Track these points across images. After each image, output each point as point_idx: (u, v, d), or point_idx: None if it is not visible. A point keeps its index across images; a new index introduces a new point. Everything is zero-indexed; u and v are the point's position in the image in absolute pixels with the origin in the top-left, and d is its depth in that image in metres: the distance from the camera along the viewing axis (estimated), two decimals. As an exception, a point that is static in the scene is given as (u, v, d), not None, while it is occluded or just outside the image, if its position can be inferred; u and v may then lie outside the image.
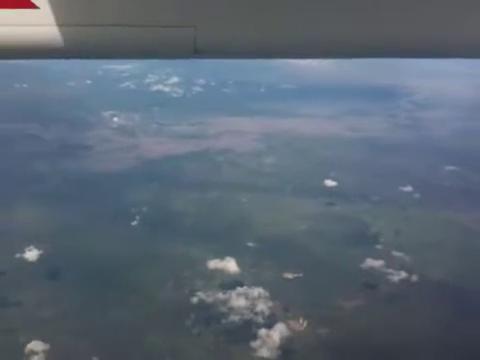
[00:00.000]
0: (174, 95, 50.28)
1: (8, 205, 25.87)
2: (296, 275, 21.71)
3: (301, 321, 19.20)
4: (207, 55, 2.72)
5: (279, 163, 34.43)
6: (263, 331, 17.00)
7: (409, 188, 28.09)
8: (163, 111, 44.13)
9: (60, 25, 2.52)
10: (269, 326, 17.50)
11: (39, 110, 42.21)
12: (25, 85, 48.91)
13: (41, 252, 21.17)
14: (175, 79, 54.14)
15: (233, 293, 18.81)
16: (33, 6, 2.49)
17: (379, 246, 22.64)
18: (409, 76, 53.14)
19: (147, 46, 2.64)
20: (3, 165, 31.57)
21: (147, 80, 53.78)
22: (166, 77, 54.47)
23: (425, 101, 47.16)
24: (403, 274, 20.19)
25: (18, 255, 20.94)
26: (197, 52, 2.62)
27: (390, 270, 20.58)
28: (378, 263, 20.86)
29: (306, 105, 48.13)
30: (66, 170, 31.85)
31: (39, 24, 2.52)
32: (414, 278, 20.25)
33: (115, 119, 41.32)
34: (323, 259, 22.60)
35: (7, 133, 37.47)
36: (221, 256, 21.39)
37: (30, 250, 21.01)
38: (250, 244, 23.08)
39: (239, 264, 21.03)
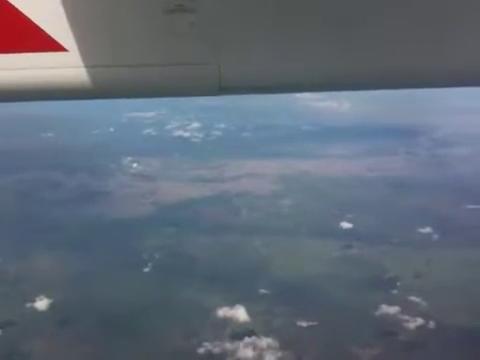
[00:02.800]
0: (194, 140, 51.01)
1: (23, 254, 26.22)
2: (310, 323, 21.04)
3: (314, 372, 18.44)
4: (232, 91, 2.75)
5: (296, 205, 34.12)
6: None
7: (428, 229, 27.26)
8: (182, 156, 44.71)
9: (89, 66, 2.58)
10: (276, 378, 16.80)
11: (62, 158, 43.38)
12: (50, 134, 50.56)
13: (51, 301, 21.17)
14: (196, 124, 55.08)
15: (241, 343, 18.24)
16: (62, 49, 2.58)
17: (395, 291, 21.81)
18: (430, 113, 52.73)
19: (173, 85, 2.69)
20: (23, 213, 32.24)
21: (169, 126, 54.86)
22: (188, 123, 55.48)
23: (446, 138, 46.41)
24: (419, 321, 19.28)
25: (29, 305, 20.98)
26: (222, 89, 2.66)
27: (406, 317, 19.70)
28: (394, 309, 20.02)
29: (325, 146, 48.05)
30: (84, 217, 32.29)
31: (68, 66, 2.60)
32: (431, 325, 19.29)
33: (134, 165, 42.06)
34: (339, 305, 21.89)
35: (30, 181, 38.52)
36: (231, 304, 20.95)
37: (41, 299, 21.03)
38: (262, 291, 22.59)
39: (249, 312, 20.53)
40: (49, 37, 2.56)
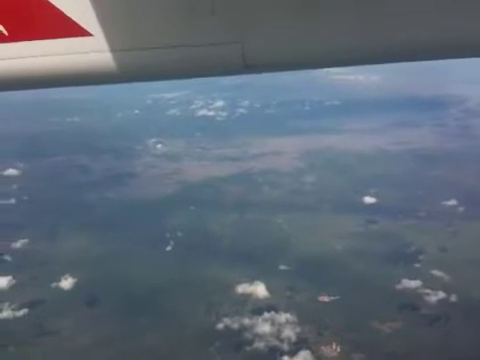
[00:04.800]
0: (218, 119, 50.98)
1: (53, 235, 26.99)
2: (332, 298, 21.03)
3: (334, 346, 18.49)
4: (257, 69, 2.76)
5: (319, 181, 33.83)
6: (286, 359, 16.44)
7: (454, 202, 26.64)
8: (207, 135, 44.84)
9: (114, 50, 2.63)
10: (293, 353, 16.94)
11: (89, 142, 44.12)
12: (76, 119, 51.38)
13: (76, 280, 21.83)
14: (220, 103, 54.98)
15: (259, 319, 18.42)
16: (87, 34, 2.62)
17: (418, 265, 21.52)
18: (457, 84, 51.08)
19: (198, 65, 2.72)
20: (52, 196, 33.09)
21: (193, 106, 54.97)
22: (211, 102, 55.43)
23: (475, 108, 44.90)
24: (441, 294, 19.01)
25: (54, 284, 21.71)
26: (247, 67, 2.67)
27: (428, 290, 19.45)
28: (415, 283, 19.78)
29: (350, 120, 47.27)
30: (110, 198, 32.92)
31: (94, 51, 2.64)
32: (453, 298, 19.00)
33: (159, 146, 42.41)
34: (361, 280, 21.77)
35: (59, 165, 39.39)
36: (251, 280, 21.11)
37: (66, 278, 21.71)
38: (283, 267, 22.66)
39: (269, 288, 20.65)
40: (74, 23, 2.60)
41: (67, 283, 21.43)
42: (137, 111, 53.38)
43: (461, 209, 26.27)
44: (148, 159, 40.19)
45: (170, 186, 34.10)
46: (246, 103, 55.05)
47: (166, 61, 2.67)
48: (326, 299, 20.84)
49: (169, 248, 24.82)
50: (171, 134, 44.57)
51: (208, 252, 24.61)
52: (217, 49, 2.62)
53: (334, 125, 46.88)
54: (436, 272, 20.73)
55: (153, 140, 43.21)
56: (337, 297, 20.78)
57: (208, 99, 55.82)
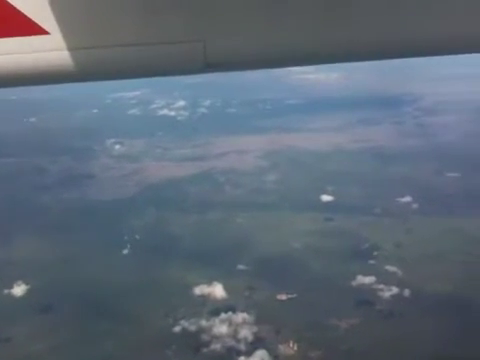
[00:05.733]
0: (179, 118, 50.59)
1: (5, 239, 26.15)
2: (290, 296, 21.17)
3: (291, 344, 18.59)
4: (219, 68, 2.72)
5: (280, 180, 34.03)
6: (242, 359, 16.43)
7: (408, 198, 27.25)
8: (167, 135, 44.40)
9: (72, 49, 2.55)
10: (250, 353, 16.95)
11: (46, 142, 43.01)
12: (33, 119, 50.03)
13: (29, 286, 21.22)
14: (181, 102, 54.54)
15: (217, 320, 18.35)
16: (44, 32, 2.53)
17: (372, 261, 21.91)
18: (416, 82, 52.29)
19: (158, 64, 2.67)
20: (6, 198, 32.08)
21: (153, 105, 54.34)
22: (173, 101, 54.92)
23: (433, 106, 46.11)
24: (394, 289, 19.40)
25: (6, 291, 21.03)
26: (209, 66, 2.64)
27: (381, 286, 19.82)
28: (369, 279, 20.13)
29: (312, 119, 47.74)
30: (68, 200, 32.17)
31: (50, 49, 2.56)
32: (406, 293, 19.42)
33: (118, 146, 41.74)
34: (318, 278, 22.00)
35: (14, 166, 38.25)
36: (209, 281, 21.01)
37: (19, 285, 21.08)
38: (241, 267, 22.66)
39: (227, 289, 20.61)
40: (30, 21, 2.51)
41: (20, 290, 20.80)
42: (96, 111, 52.38)
43: (415, 206, 26.89)
44: (107, 160, 39.49)
45: (129, 187, 33.60)
46: (208, 102, 54.83)
47: (125, 60, 2.62)
48: (284, 298, 20.96)
49: (126, 251, 24.43)
50: (131, 134, 43.92)
51: (167, 254, 24.36)
52: (178, 48, 2.58)
53: (296, 124, 47.25)
54: (390, 268, 21.16)
55: (112, 140, 42.50)
56: (295, 295, 20.93)
57: (169, 98, 55.31)
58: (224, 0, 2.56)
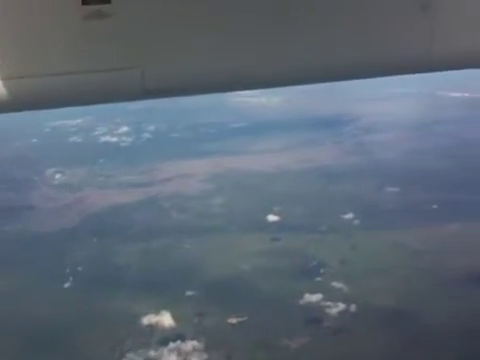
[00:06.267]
0: (122, 144, 49.80)
1: None
2: (241, 319, 20.97)
3: (243, 369, 18.33)
4: (158, 94, 2.70)
5: (226, 203, 34.03)
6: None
7: (350, 215, 27.93)
8: (110, 162, 43.52)
9: (7, 78, 2.46)
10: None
11: (-19, 174, 41.06)
12: (-34, 150, 47.77)
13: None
14: (124, 128, 53.77)
15: (165, 349, 17.84)
16: None
17: (319, 279, 22.15)
18: (354, 103, 54.24)
19: (96, 92, 2.64)
20: None
21: (95, 132, 53.25)
22: (115, 127, 54.07)
23: (370, 125, 47.92)
24: (341, 306, 19.65)
25: None
26: (147, 92, 2.62)
27: (328, 303, 20.03)
28: (317, 297, 20.31)
29: (256, 141, 48.34)
30: (7, 233, 30.79)
31: None
32: (353, 308, 19.71)
33: (59, 176, 40.48)
34: (267, 298, 21.96)
35: None
36: (157, 310, 20.48)
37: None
38: (190, 293, 22.27)
39: (175, 317, 20.15)
40: None
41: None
42: (35, 140, 50.74)
43: (357, 221, 27.58)
44: (47, 190, 38.16)
45: (70, 218, 32.53)
46: (152, 128, 54.44)
47: (62, 88, 2.58)
48: (234, 321, 20.74)
49: (68, 285, 23.47)
50: (72, 163, 42.77)
51: (112, 285, 23.59)
52: (116, 75, 2.55)
53: (240, 147, 47.69)
54: (336, 284, 21.44)
55: (52, 170, 41.19)
56: (245, 318, 20.77)
57: (112, 124, 54.45)
58: (161, 26, 2.56)
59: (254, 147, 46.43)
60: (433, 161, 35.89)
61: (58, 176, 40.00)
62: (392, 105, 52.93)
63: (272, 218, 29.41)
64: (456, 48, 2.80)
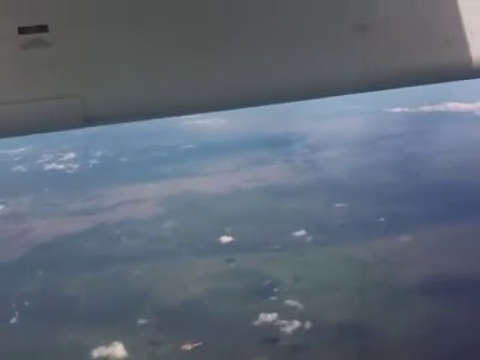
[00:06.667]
0: (69, 171, 48.51)
1: None
2: (195, 345, 20.53)
3: (200, 396, 17.84)
4: (98, 122, 2.67)
5: (178, 226, 33.60)
6: None
7: (302, 232, 28.19)
8: (56, 190, 42.20)
9: None
10: None
11: None
12: None
13: None
14: (70, 155, 52.47)
15: (117, 382, 17.16)
16: None
17: (273, 298, 22.08)
18: (300, 122, 55.34)
19: (36, 121, 2.57)
20: None
21: (40, 160, 51.67)
22: (61, 154, 52.67)
23: (317, 143, 48.98)
24: (296, 323, 19.61)
25: None
26: (88, 121, 2.58)
27: (283, 321, 19.95)
28: (272, 316, 20.19)
29: (206, 163, 48.30)
30: None
31: None
32: (308, 326, 19.70)
33: (2, 207, 38.88)
34: (222, 321, 21.62)
35: None
36: (108, 342, 19.73)
37: None
38: (142, 321, 21.63)
39: (128, 347, 19.46)
40: None
41: None
42: (-25, 171, 48.60)
43: (309, 238, 27.86)
44: (-11, 222, 36.44)
45: (15, 250, 31.12)
46: (99, 153, 53.43)
47: (2, 118, 2.51)
48: (189, 347, 20.30)
49: (14, 320, 22.28)
50: (16, 192, 41.21)
51: (60, 318, 22.59)
52: (55, 103, 2.51)
53: (191, 169, 47.56)
54: (291, 302, 21.42)
55: (-5, 201, 39.46)
56: (200, 343, 20.36)
57: (57, 152, 53.06)
58: (100, 53, 2.54)
59: (205, 169, 46.36)
60: (378, 175, 36.98)
61: (1, 207, 38.38)
62: (337, 123, 54.43)
63: (225, 239, 29.23)
64: (393, 67, 2.87)
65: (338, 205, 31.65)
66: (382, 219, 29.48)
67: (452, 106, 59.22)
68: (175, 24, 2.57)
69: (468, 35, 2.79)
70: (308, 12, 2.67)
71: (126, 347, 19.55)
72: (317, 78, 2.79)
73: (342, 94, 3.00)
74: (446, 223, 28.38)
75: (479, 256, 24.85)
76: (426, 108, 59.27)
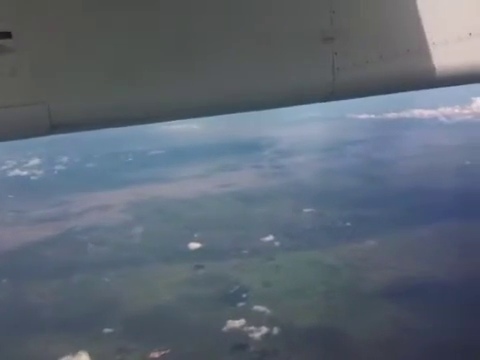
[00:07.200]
0: (33, 178, 47.45)
1: None
2: (163, 352, 20.34)
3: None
4: (65, 129, 2.63)
5: (147, 232, 33.26)
6: None
7: (270, 237, 28.35)
8: (20, 197, 41.18)
9: None
10: None
11: None
12: None
13: None
14: (35, 161, 51.35)
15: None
16: None
17: (242, 303, 22.09)
18: (271, 128, 55.77)
19: (0, 128, 2.53)
20: None
21: (3, 167, 50.40)
22: (25, 160, 51.49)
23: (287, 149, 49.43)
24: (264, 329, 19.67)
25: None
26: (54, 127, 2.53)
27: (251, 327, 19.98)
28: (240, 322, 20.20)
29: (176, 169, 48.04)
30: None
31: None
32: (276, 331, 19.79)
33: (-37, 215, 37.60)
34: (190, 328, 21.47)
35: None
36: (74, 351, 19.35)
37: None
38: (109, 330, 21.30)
39: (94, 356, 19.13)
40: None
41: None
42: None
43: (277, 243, 28.04)
44: None
45: (-23, 259, 30.18)
46: (65, 159, 52.48)
47: None
48: (157, 355, 20.10)
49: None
50: (-23, 200, 39.99)
51: (25, 328, 22.00)
52: (21, 110, 2.48)
53: (160, 174, 47.21)
54: (259, 308, 21.48)
55: (-44, 209, 38.21)
56: (168, 351, 20.19)
57: (21, 158, 51.83)
58: (66, 60, 2.51)
59: (174, 174, 46.08)
60: (345, 180, 37.58)
61: (-38, 215, 37.23)
62: (306, 129, 55.05)
63: (194, 245, 29.10)
64: (358, 77, 2.94)
65: (306, 210, 31.98)
66: (348, 224, 29.95)
67: (417, 113, 60.84)
68: (141, 32, 2.56)
69: (430, 45, 2.85)
70: (275, 25, 2.71)
71: (92, 356, 19.22)
72: (284, 89, 2.84)
73: (309, 103, 3.05)
74: (410, 227, 29.04)
75: (442, 259, 25.52)
76: (391, 115, 60.68)
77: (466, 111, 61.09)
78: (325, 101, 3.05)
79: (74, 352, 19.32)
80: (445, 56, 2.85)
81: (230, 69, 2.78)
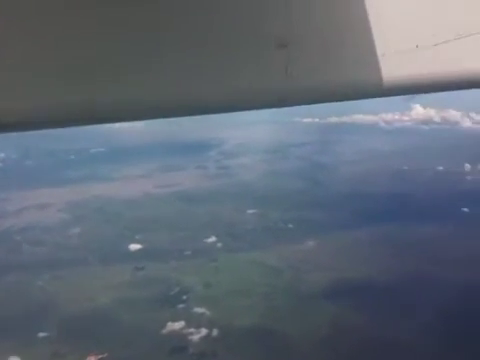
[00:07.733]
0: (-34, 175, 45.11)
1: None
2: (101, 356, 19.82)
3: None
4: (9, 129, 2.46)
5: (86, 233, 32.31)
6: None
7: (213, 238, 28.32)
8: None
9: None
10: None
11: None
12: None
13: None
14: (-32, 157, 48.90)
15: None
16: None
17: (182, 305, 21.93)
18: (218, 128, 55.85)
19: None
20: None
21: None
22: (-43, 157, 48.90)
23: (233, 150, 49.61)
24: (204, 331, 19.61)
25: None
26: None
27: (191, 329, 19.87)
28: (179, 324, 20.02)
29: (117, 167, 47.07)
30: None
31: None
32: (215, 332, 19.77)
33: None
34: (129, 331, 21.06)
35: None
36: (5, 356, 18.50)
37: None
38: (43, 334, 20.51)
39: (26, 361, 18.37)
40: None
41: None
42: None
43: (220, 244, 28.04)
44: None
45: None
46: (2, 155, 50.24)
47: None
48: (93, 359, 19.56)
49: None
50: None
51: None
52: None
53: (101, 173, 46.07)
54: (199, 309, 21.39)
55: None
56: (106, 354, 19.70)
57: (-47, 154, 49.11)
58: (8, 56, 2.33)
59: (116, 173, 45.11)
60: (288, 182, 38.18)
61: None
62: (252, 130, 55.48)
63: (134, 246, 28.58)
64: (310, 84, 2.99)
65: (249, 211, 32.19)
66: (290, 225, 30.42)
67: (358, 118, 62.85)
68: (88, 31, 2.52)
69: (379, 56, 2.98)
70: (227, 28, 2.73)
71: (24, 362, 18.43)
72: (236, 93, 2.87)
73: (261, 109, 3.08)
74: (349, 229, 29.90)
75: (379, 261, 26.44)
76: (334, 119, 62.37)
77: (406, 117, 63.76)
78: (277, 107, 3.11)
79: (5, 358, 18.45)
80: (393, 67, 3.04)
81: (181, 70, 2.77)
